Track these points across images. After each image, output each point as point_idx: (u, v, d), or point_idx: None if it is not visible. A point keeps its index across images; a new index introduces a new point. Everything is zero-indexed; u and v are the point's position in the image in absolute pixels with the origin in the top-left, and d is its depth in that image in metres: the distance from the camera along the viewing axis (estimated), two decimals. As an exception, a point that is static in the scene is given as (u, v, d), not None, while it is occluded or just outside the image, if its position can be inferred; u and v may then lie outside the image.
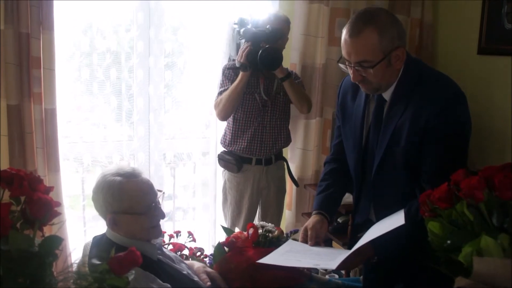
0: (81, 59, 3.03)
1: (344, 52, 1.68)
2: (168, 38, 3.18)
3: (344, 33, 1.66)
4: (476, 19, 2.86)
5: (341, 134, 1.97)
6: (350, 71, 1.70)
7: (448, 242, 1.09)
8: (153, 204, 1.63)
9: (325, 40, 3.08)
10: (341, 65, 1.73)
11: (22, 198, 1.09)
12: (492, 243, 1.00)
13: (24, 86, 2.60)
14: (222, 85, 2.85)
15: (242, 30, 2.74)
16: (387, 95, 1.75)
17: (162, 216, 1.66)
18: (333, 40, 3.07)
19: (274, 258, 1.75)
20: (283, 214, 3.21)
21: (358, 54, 1.64)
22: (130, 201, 1.58)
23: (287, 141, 3.00)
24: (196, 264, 1.84)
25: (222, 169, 3.00)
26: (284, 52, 2.79)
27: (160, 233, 1.70)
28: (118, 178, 1.59)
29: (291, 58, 3.11)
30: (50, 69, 2.62)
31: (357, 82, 1.73)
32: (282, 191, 3.05)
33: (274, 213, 3.00)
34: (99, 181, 1.61)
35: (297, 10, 3.07)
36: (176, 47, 3.23)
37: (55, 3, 2.60)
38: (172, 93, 3.27)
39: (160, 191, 1.68)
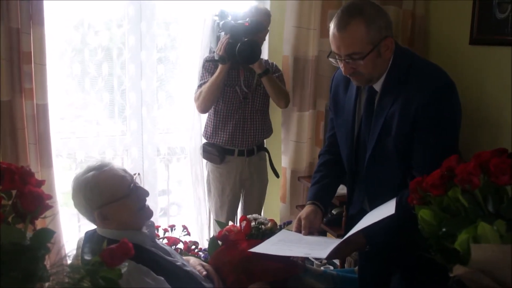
0: (73, 55, 3.01)
1: (333, 47, 1.69)
2: (160, 33, 3.17)
3: (332, 27, 1.68)
4: (467, 9, 2.86)
5: (334, 126, 1.98)
6: (341, 65, 1.71)
7: (444, 229, 1.08)
8: (133, 185, 1.64)
9: (318, 32, 3.07)
10: (332, 60, 1.74)
11: (13, 192, 1.08)
12: (489, 230, 0.99)
13: (15, 82, 2.57)
14: (202, 77, 2.85)
15: (221, 23, 2.74)
16: (377, 86, 1.75)
17: (146, 193, 1.68)
18: (326, 32, 3.05)
19: (266, 247, 1.76)
20: (278, 207, 3.21)
21: (347, 47, 1.65)
22: (110, 189, 1.59)
23: (269, 132, 3.03)
24: (192, 259, 1.84)
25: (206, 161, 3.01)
26: (276, 44, 2.78)
27: (151, 213, 1.70)
28: (91, 173, 1.61)
29: (283, 51, 3.10)
30: (41, 64, 2.60)
31: (348, 75, 1.73)
32: (264, 181, 3.08)
33: (256, 203, 3.03)
34: (75, 184, 1.62)
35: (289, 2, 3.05)
36: (168, 42, 3.22)
37: (45, -1, 2.58)
38: (165, 87, 3.25)
39: (134, 174, 1.71)
